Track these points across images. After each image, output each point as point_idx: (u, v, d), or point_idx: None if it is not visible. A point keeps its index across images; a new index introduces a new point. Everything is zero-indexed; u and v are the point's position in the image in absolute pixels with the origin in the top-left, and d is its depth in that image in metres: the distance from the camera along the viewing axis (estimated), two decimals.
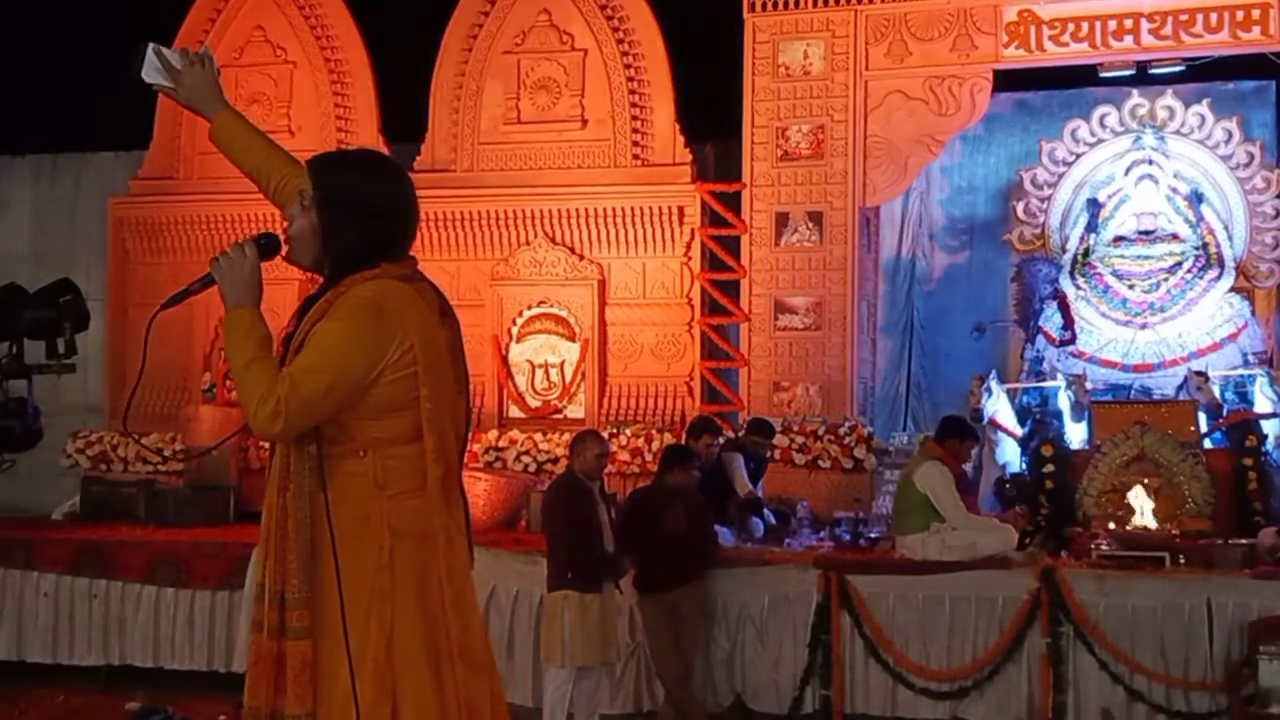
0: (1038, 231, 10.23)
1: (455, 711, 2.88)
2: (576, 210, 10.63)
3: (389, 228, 2.95)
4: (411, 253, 3.03)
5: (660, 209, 10.50)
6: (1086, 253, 10.07)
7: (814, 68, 10.28)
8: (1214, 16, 9.61)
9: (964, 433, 7.58)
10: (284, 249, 2.95)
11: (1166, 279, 9.86)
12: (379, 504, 2.87)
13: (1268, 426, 8.71)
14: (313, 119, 11.28)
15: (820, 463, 9.47)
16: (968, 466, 7.96)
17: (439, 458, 2.89)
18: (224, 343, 2.86)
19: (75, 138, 12.10)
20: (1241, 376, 9.26)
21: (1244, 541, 7.33)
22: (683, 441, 8.41)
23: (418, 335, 2.86)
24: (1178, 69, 9.97)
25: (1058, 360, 9.81)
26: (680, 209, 10.47)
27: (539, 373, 10.75)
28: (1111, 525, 7.66)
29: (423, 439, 2.88)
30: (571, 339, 10.68)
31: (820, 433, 9.57)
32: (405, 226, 3.01)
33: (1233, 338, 9.66)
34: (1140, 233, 9.96)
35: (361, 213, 2.89)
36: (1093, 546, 7.26)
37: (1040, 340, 9.99)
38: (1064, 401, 9.19)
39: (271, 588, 2.84)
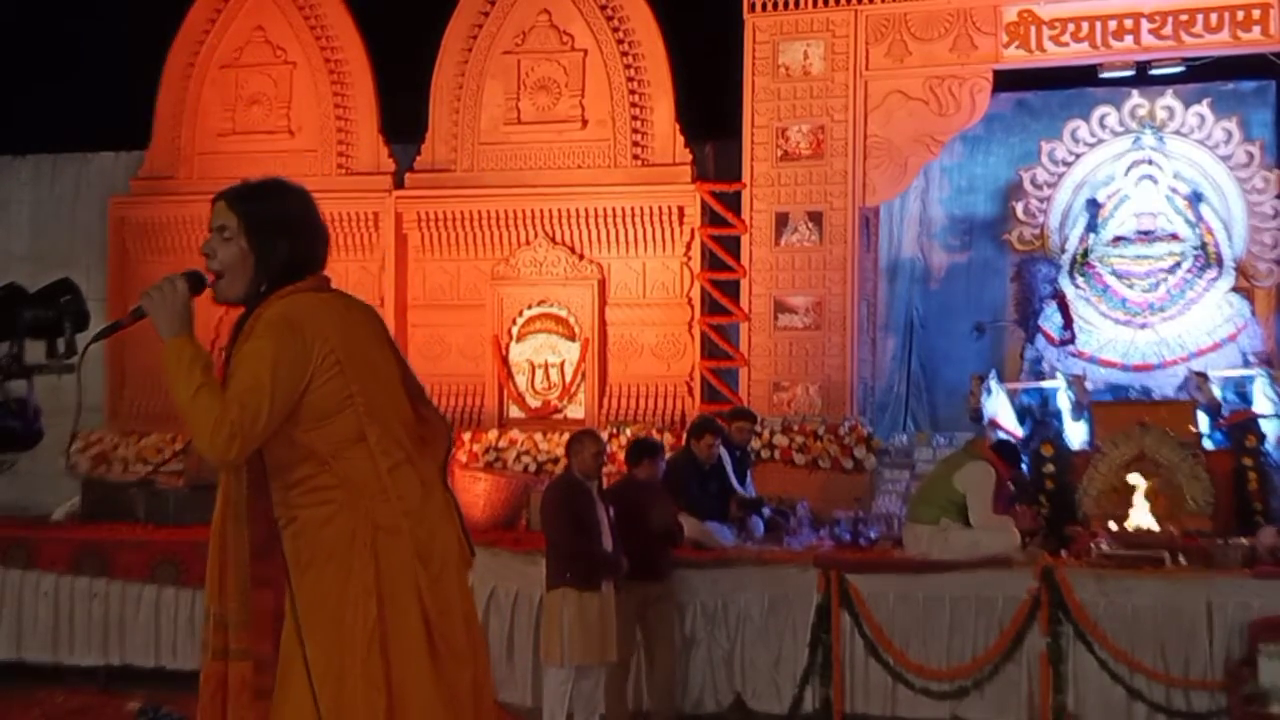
0: (1037, 231, 10.24)
1: (451, 698, 2.97)
2: (576, 210, 10.63)
3: (315, 240, 3.13)
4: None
5: (660, 209, 10.50)
6: (1086, 253, 10.07)
7: (814, 68, 10.28)
8: (1214, 16, 9.61)
9: (1019, 463, 7.86)
10: (209, 289, 3.05)
11: (1166, 279, 9.86)
12: (363, 505, 2.97)
13: (1268, 426, 8.71)
14: (313, 119, 11.29)
15: (820, 463, 9.48)
16: None
17: (388, 448, 2.99)
18: (165, 372, 2.93)
19: (75, 138, 12.09)
20: (1241, 376, 9.26)
21: (1244, 541, 7.31)
22: (684, 441, 8.42)
23: (336, 335, 2.97)
24: (1178, 69, 9.97)
25: (1058, 360, 9.80)
26: (680, 209, 10.48)
27: (539, 373, 10.75)
28: (1111, 525, 7.66)
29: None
30: (571, 339, 10.69)
31: (820, 433, 9.57)
32: (325, 238, 3.18)
33: (1232, 338, 9.66)
34: (1140, 233, 9.96)
35: (288, 228, 3.06)
36: (1093, 546, 7.25)
37: (1040, 340, 9.99)
38: (1064, 401, 9.19)
39: (215, 611, 2.96)
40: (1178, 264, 9.86)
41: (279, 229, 3.04)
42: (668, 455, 7.93)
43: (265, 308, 3.00)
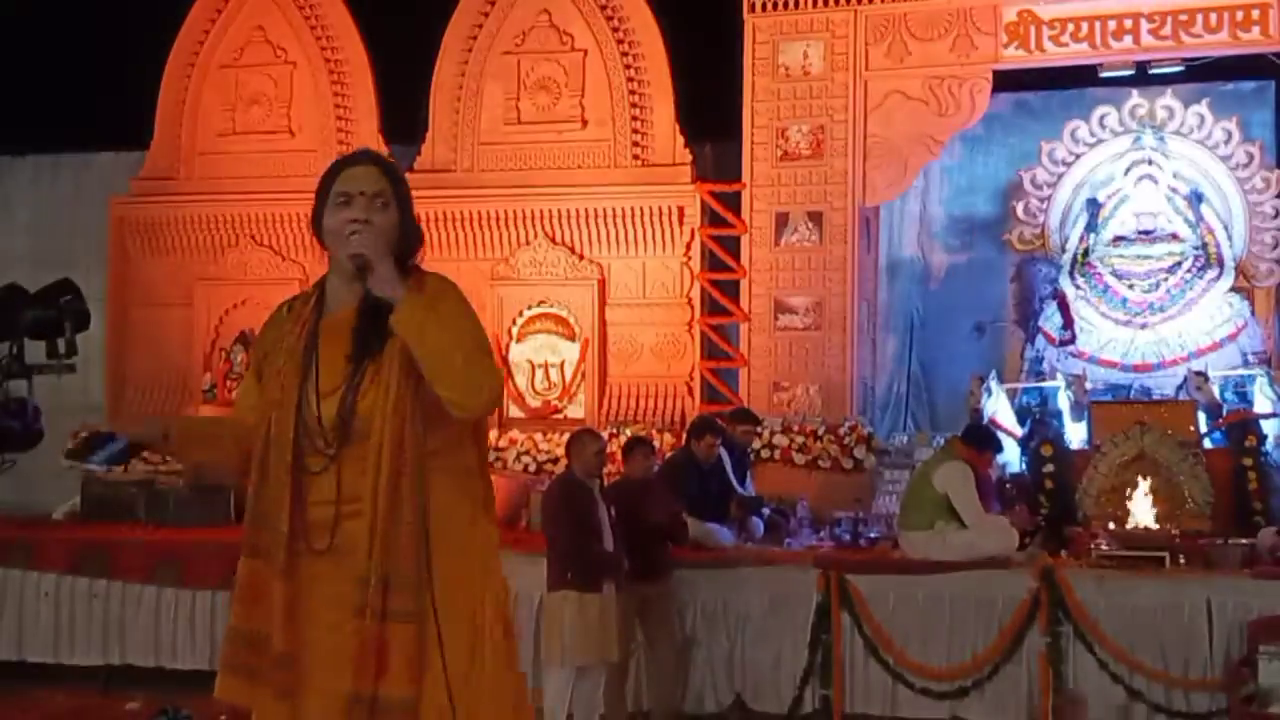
0: (1037, 231, 10.24)
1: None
2: (576, 210, 10.63)
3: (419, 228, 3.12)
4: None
5: (660, 209, 10.50)
6: (1086, 253, 10.08)
7: (814, 68, 10.28)
8: (1214, 16, 9.61)
9: (995, 446, 7.76)
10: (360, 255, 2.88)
11: (1166, 279, 9.86)
12: (481, 487, 3.02)
13: (1268, 426, 8.72)
14: (313, 119, 11.28)
15: (820, 463, 9.46)
16: None
17: (482, 436, 3.06)
18: (416, 324, 2.76)
19: (75, 138, 12.08)
20: (1241, 376, 9.27)
21: (1244, 541, 7.33)
22: (683, 442, 8.41)
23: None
24: (1177, 69, 9.97)
25: (1058, 360, 9.81)
26: (680, 209, 10.47)
27: (539, 373, 10.75)
28: (1111, 525, 7.66)
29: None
30: (571, 339, 10.68)
31: (820, 433, 9.56)
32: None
33: (1232, 338, 9.67)
34: (1140, 233, 9.97)
35: (413, 208, 3.01)
36: (1093, 546, 7.26)
37: (1040, 340, 10.00)
38: (1064, 401, 9.20)
39: (377, 572, 2.82)
40: (1178, 264, 9.86)
41: (411, 207, 2.98)
42: (668, 455, 7.95)
43: (417, 278, 2.90)
